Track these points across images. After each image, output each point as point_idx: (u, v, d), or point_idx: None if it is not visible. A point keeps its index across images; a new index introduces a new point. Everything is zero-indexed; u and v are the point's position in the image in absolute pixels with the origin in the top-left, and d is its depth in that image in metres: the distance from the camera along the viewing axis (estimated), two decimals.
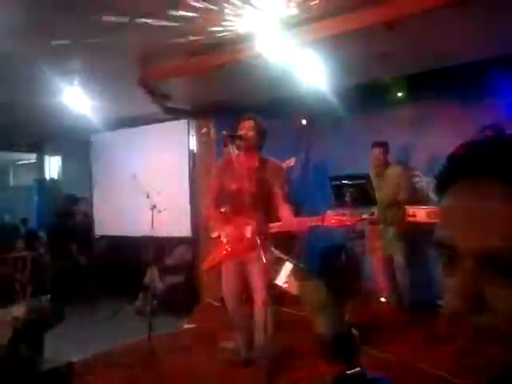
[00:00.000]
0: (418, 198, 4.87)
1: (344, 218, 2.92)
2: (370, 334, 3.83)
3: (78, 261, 6.62)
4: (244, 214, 3.12)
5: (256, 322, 3.22)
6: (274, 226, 3.23)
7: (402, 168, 4.67)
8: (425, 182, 4.99)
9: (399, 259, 4.51)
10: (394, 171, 4.58)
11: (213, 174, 3.44)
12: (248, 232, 3.09)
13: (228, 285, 3.39)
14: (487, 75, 4.04)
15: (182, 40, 3.59)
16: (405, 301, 4.53)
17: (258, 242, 2.78)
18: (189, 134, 6.08)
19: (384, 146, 4.64)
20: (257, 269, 3.09)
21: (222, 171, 3.32)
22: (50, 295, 4.02)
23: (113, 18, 3.15)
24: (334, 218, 2.90)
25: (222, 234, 3.26)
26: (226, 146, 3.26)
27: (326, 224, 2.90)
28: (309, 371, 3.24)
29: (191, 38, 3.57)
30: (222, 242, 3.26)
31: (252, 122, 3.22)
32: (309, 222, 3.08)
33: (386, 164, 4.65)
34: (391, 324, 4.24)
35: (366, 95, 4.79)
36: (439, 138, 4.77)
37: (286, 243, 4.30)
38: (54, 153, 8.32)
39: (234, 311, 3.42)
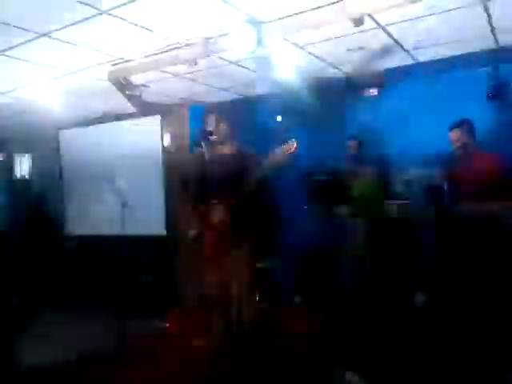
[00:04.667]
0: (390, 194, 4.90)
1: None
2: None
3: (49, 262, 6.44)
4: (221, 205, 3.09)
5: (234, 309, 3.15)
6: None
7: (376, 172, 4.64)
8: (397, 179, 5.03)
9: (367, 259, 4.49)
10: (367, 174, 4.55)
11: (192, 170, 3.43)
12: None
13: (212, 273, 3.27)
14: None
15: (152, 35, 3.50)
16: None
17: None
18: (162, 130, 5.96)
19: (357, 138, 4.64)
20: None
21: (199, 166, 3.35)
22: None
23: (82, 11, 3.02)
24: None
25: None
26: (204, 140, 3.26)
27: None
28: None
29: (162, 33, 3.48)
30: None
31: (218, 115, 3.23)
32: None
33: (361, 158, 4.65)
34: None
35: (341, 90, 4.79)
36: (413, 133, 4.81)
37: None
38: (23, 151, 8.03)
39: (216, 298, 3.28)
